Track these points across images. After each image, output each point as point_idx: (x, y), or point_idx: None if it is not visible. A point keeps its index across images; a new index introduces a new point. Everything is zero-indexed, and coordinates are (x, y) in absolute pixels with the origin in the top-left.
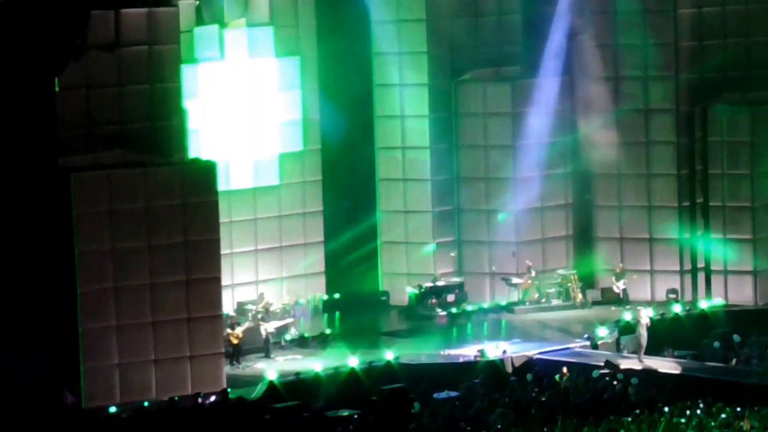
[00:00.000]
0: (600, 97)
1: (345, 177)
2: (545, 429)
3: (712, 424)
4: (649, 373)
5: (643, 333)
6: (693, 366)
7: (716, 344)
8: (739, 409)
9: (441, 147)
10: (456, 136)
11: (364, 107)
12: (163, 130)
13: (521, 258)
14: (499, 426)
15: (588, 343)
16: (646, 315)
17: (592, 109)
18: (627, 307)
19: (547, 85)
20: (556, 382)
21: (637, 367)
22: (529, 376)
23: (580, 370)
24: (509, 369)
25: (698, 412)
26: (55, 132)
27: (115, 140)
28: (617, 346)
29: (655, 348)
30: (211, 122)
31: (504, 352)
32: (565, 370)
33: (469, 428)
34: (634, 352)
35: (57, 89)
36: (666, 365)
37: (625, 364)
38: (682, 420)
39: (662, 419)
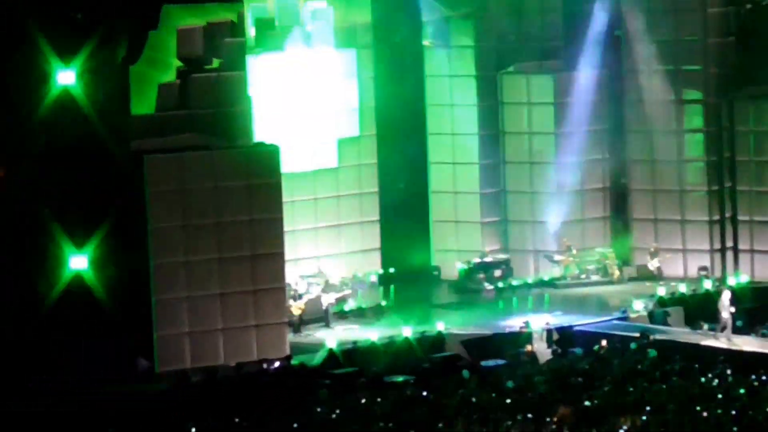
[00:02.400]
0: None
1: (398, 160)
2: (584, 395)
3: (741, 391)
4: (687, 345)
5: (725, 313)
6: None
7: (739, 323)
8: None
9: (488, 133)
10: (502, 124)
11: (416, 96)
12: (229, 116)
13: (562, 237)
14: (541, 390)
15: (625, 316)
16: (728, 296)
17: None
18: (661, 283)
19: (587, 77)
20: (595, 352)
21: (667, 338)
22: (578, 350)
23: (619, 341)
24: (552, 340)
25: (729, 380)
26: (129, 117)
27: (185, 125)
28: (650, 319)
29: (688, 322)
30: (274, 109)
31: (547, 323)
32: (604, 342)
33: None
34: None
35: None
36: (753, 343)
37: (658, 336)
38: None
39: (695, 385)
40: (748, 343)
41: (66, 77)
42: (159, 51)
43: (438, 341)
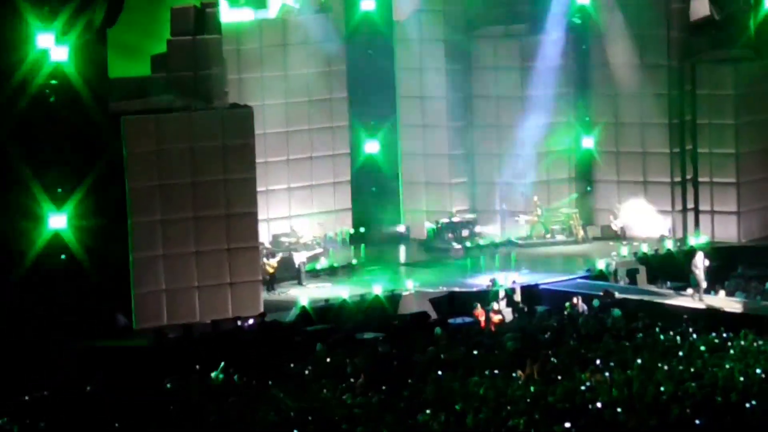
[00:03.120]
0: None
1: (370, 122)
2: (550, 351)
3: (702, 348)
4: (650, 304)
5: (700, 274)
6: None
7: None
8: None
9: (456, 96)
10: (470, 87)
11: (387, 60)
12: (205, 79)
13: (529, 197)
14: (510, 345)
15: (588, 275)
16: (701, 257)
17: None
18: (624, 242)
19: (552, 41)
20: (563, 310)
21: (635, 297)
22: (540, 308)
23: (582, 299)
24: (518, 298)
25: (693, 336)
26: (107, 80)
27: (164, 87)
28: (614, 277)
29: (650, 280)
30: (247, 73)
31: (513, 282)
32: (575, 300)
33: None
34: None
35: None
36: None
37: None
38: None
39: (658, 343)
40: (716, 302)
41: (46, 40)
42: (154, 23)
43: (407, 299)
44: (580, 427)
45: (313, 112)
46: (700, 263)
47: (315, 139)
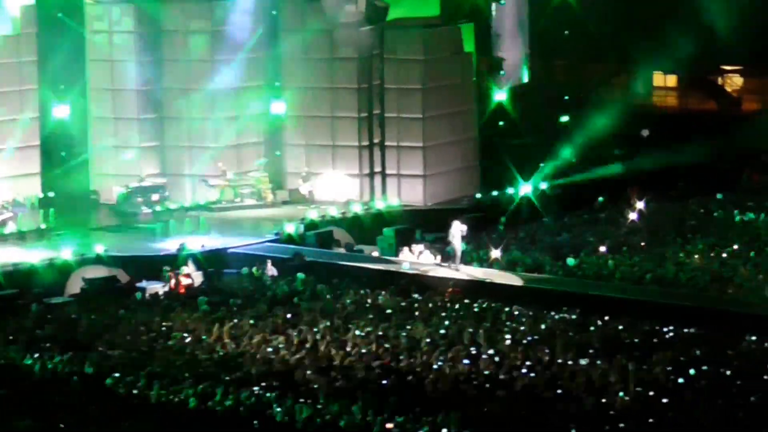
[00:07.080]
0: None
1: (60, 86)
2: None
3: (389, 310)
4: (339, 266)
5: (456, 243)
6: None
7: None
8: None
9: (146, 60)
10: (160, 51)
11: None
12: None
13: (216, 161)
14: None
15: (277, 238)
16: (459, 227)
17: None
18: (312, 206)
19: (243, 6)
20: (252, 274)
21: (320, 259)
22: (228, 272)
23: (272, 263)
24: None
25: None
26: None
27: None
28: (302, 241)
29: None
30: None
31: (203, 246)
32: (264, 263)
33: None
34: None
35: None
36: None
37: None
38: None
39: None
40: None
41: None
42: None
43: (97, 263)
44: (270, 387)
45: (1, 74)
46: (457, 232)
47: (3, 103)
